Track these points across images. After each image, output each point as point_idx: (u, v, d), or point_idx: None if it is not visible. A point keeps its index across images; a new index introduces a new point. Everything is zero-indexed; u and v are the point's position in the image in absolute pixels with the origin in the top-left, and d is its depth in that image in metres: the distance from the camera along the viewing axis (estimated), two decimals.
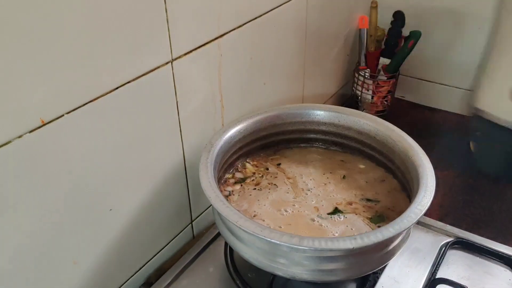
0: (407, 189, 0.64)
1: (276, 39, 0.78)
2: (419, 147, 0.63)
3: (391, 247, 0.56)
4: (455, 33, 1.04)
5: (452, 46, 1.05)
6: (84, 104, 0.48)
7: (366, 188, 0.67)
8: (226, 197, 0.64)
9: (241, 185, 0.67)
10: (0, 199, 0.43)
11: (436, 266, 0.66)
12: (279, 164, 0.70)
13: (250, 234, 0.50)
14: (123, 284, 0.64)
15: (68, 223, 0.51)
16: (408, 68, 1.12)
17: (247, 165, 0.70)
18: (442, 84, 1.11)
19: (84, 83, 0.47)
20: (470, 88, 1.07)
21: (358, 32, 1.06)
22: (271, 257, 0.54)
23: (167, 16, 0.54)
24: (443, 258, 0.68)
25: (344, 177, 0.69)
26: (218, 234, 0.71)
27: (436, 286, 0.62)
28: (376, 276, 0.64)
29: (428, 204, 0.53)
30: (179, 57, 0.58)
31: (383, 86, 1.06)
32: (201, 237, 0.71)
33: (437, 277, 0.64)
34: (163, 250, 0.69)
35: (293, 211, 0.62)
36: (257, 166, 0.70)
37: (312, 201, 0.64)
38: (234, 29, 0.67)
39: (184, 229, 0.72)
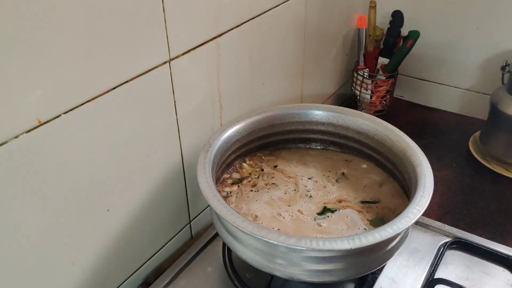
0: (406, 189, 0.63)
1: (275, 39, 0.78)
2: (417, 147, 0.63)
3: (389, 247, 0.56)
4: (453, 33, 1.04)
5: (451, 46, 1.05)
6: (81, 104, 0.48)
7: (365, 189, 0.66)
8: (225, 198, 0.64)
9: (238, 186, 0.66)
10: None
11: (435, 266, 0.66)
12: (275, 166, 0.70)
13: (248, 234, 0.50)
14: (121, 284, 0.64)
15: (65, 224, 0.51)
16: (407, 68, 1.12)
17: (244, 164, 0.70)
18: (440, 83, 1.11)
19: (81, 83, 0.47)
20: (469, 88, 1.07)
21: (357, 31, 1.06)
22: (269, 257, 0.54)
23: (164, 15, 0.54)
24: (441, 258, 0.68)
25: (343, 175, 0.69)
26: (216, 234, 0.71)
27: (434, 286, 0.62)
28: (374, 276, 0.64)
29: (426, 205, 0.53)
30: (177, 56, 0.58)
31: (381, 86, 1.06)
32: (199, 237, 0.71)
33: (435, 277, 0.64)
34: (161, 250, 0.69)
35: (292, 211, 0.62)
36: (253, 166, 0.70)
37: (311, 201, 0.64)
38: (232, 28, 0.66)
39: (182, 229, 0.72)
